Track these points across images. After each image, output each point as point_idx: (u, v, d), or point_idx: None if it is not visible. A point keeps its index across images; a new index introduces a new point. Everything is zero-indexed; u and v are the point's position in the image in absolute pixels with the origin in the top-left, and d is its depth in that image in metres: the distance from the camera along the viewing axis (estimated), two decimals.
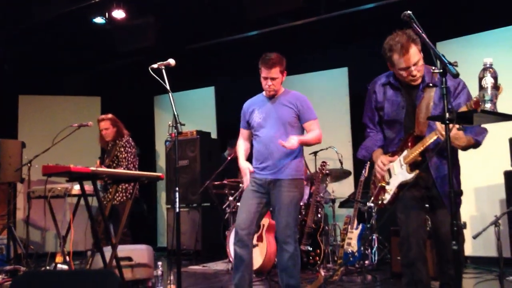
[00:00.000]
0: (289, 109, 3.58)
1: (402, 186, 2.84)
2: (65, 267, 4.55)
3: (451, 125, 2.30)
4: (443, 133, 2.52)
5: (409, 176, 2.78)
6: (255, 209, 3.51)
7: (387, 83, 3.00)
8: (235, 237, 3.48)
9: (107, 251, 3.90)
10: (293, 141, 3.36)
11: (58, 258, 4.61)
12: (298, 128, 3.62)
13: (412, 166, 2.79)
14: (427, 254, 2.97)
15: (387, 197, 2.93)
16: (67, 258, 4.47)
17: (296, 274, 3.46)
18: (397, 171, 2.88)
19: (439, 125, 2.60)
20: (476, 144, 2.74)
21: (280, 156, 3.52)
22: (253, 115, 3.67)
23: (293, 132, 3.53)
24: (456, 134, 2.61)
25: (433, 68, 2.23)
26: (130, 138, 5.43)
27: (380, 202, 2.99)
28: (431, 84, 2.71)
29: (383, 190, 2.97)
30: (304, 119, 3.60)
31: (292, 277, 3.45)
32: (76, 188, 4.34)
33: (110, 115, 5.48)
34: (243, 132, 3.83)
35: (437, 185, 2.81)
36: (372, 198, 3.11)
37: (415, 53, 2.75)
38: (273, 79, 3.52)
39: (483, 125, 2.74)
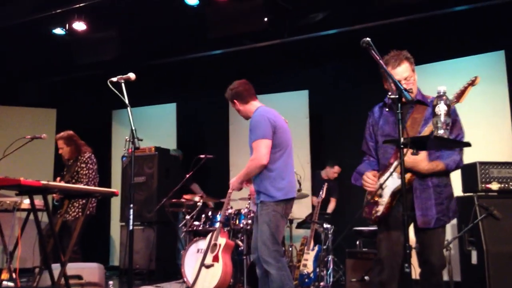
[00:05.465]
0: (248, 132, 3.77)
1: (394, 195, 2.86)
2: (11, 284, 4.37)
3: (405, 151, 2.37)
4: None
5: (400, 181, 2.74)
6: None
7: (384, 104, 3.07)
8: None
9: (56, 268, 3.76)
10: (232, 184, 3.80)
11: (4, 275, 4.41)
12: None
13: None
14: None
15: (380, 209, 2.93)
16: (14, 275, 4.29)
17: None
18: (388, 182, 2.89)
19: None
20: (446, 170, 2.84)
21: (255, 181, 3.74)
22: None
23: None
24: (413, 162, 2.72)
25: (389, 93, 2.29)
26: (93, 155, 5.30)
27: (374, 216, 2.98)
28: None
29: (375, 204, 2.97)
30: (249, 140, 3.72)
31: None
32: (26, 202, 4.19)
33: (65, 134, 5.32)
34: None
35: (416, 207, 2.87)
36: (367, 217, 3.06)
37: (406, 68, 2.91)
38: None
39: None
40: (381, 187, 2.94)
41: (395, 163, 2.88)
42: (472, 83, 2.66)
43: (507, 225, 4.08)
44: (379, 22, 5.87)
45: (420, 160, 2.77)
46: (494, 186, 4.28)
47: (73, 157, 5.24)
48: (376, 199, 2.97)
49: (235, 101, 3.85)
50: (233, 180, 3.81)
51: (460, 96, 2.64)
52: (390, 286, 2.91)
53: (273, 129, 3.64)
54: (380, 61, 2.45)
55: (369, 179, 2.94)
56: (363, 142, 3.23)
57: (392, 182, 2.86)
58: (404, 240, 2.41)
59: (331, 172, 6.52)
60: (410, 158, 2.71)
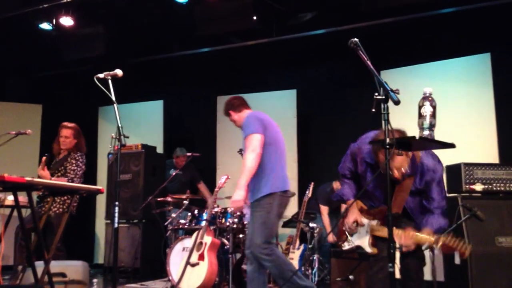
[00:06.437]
0: None
1: (359, 248, 3.04)
2: None
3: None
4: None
5: (368, 250, 2.99)
6: None
7: (369, 164, 3.08)
8: None
9: (39, 266, 3.72)
10: (236, 198, 3.63)
11: None
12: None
13: (374, 239, 2.98)
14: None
15: (346, 245, 3.14)
16: None
17: None
18: (361, 232, 3.05)
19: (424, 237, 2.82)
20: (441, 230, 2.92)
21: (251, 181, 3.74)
22: None
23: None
24: (416, 242, 2.85)
25: (376, 94, 2.30)
26: (84, 156, 5.24)
27: (340, 243, 3.18)
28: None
29: (345, 235, 3.14)
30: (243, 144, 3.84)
31: None
32: (10, 198, 4.14)
33: (76, 126, 5.26)
34: None
35: (414, 216, 3.00)
36: (336, 233, 3.27)
37: (403, 160, 2.83)
38: None
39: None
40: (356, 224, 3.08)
41: (374, 223, 3.02)
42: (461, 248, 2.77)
43: (490, 226, 4.13)
44: (367, 23, 5.92)
45: (421, 238, 2.85)
46: (478, 187, 4.33)
47: (70, 149, 5.17)
48: (344, 238, 3.16)
49: (230, 112, 4.12)
50: (236, 195, 3.67)
51: (446, 248, 2.78)
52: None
53: (263, 126, 3.78)
54: (367, 61, 2.46)
55: (352, 228, 3.10)
56: (341, 164, 3.31)
57: (364, 238, 3.04)
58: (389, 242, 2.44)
59: None
60: (412, 238, 2.81)
